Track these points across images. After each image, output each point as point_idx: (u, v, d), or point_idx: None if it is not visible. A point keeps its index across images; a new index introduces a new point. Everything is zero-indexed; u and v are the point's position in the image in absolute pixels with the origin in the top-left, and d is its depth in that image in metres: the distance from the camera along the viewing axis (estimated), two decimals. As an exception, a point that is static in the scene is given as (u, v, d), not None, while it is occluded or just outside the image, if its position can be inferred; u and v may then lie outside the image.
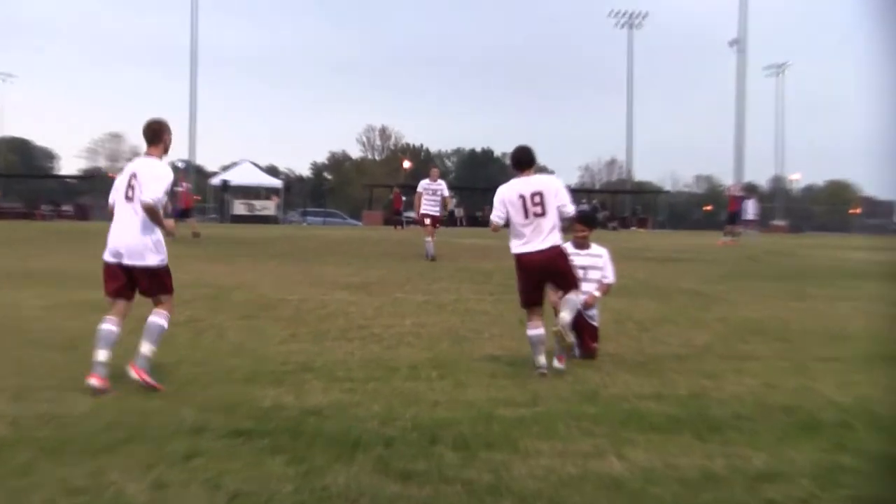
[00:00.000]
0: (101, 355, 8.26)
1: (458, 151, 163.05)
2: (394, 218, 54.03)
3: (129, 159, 10.43)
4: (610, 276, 10.84)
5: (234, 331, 11.77)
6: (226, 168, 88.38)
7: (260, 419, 7.39)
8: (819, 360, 10.47)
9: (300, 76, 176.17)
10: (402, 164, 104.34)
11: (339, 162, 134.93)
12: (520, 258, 9.53)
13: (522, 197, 9.50)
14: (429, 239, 23.87)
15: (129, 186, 8.52)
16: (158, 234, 8.54)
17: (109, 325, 8.38)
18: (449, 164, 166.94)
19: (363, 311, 13.71)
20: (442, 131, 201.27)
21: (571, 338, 9.34)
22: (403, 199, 55.49)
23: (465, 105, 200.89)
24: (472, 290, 17.19)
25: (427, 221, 23.90)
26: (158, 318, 8.60)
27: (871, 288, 19.45)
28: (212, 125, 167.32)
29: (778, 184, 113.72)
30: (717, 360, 10.46)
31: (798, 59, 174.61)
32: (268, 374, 9.05)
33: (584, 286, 10.44)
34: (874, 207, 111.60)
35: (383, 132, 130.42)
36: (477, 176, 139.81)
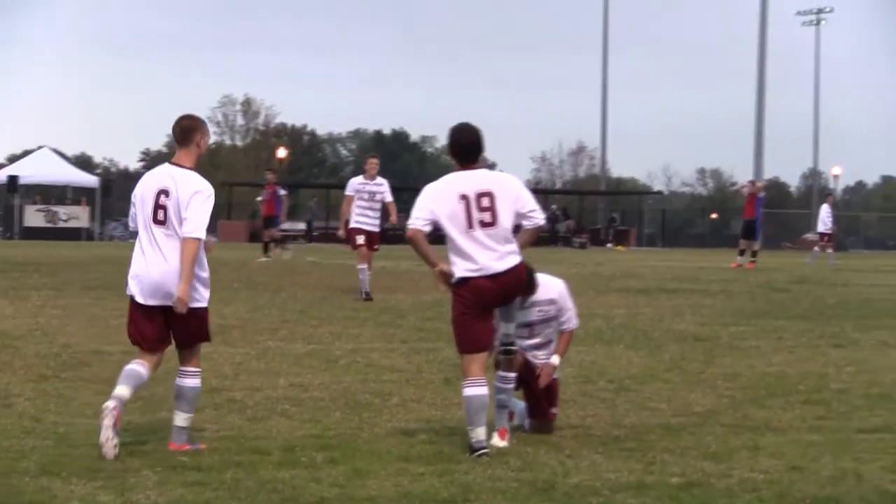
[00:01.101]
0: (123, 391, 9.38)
1: (357, 135, 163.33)
2: (265, 234, 43.11)
3: (147, 164, 10.54)
4: (572, 321, 10.84)
5: (26, 399, 11.65)
6: (14, 159, 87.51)
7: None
8: (865, 432, 10.68)
9: (126, 33, 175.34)
10: (275, 153, 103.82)
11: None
12: (468, 284, 9.55)
13: (465, 198, 9.60)
14: (363, 267, 23.35)
15: (160, 207, 9.36)
16: (206, 269, 9.62)
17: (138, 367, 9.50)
18: (345, 151, 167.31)
19: (218, 368, 13.65)
20: (334, 107, 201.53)
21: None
22: (282, 192, 43.18)
23: (367, 73, 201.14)
24: (377, 335, 17.23)
25: (360, 241, 23.18)
26: (191, 379, 9.64)
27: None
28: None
29: (813, 181, 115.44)
30: (725, 432, 10.61)
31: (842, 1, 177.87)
32: (76, 462, 8.97)
33: (534, 353, 10.58)
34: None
35: (247, 107, 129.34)
36: (385, 168, 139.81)
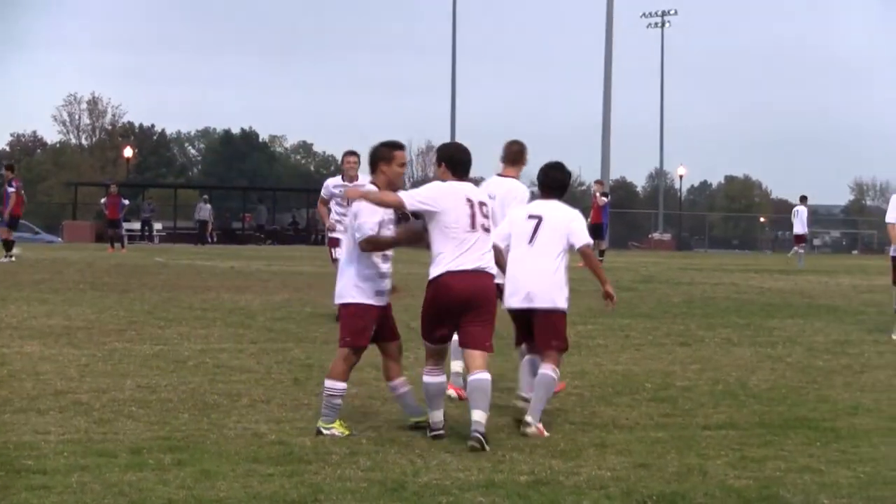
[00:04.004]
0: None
1: (206, 134, 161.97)
2: (109, 231, 52.05)
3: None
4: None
5: None
6: None
7: None
8: (709, 429, 10.90)
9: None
10: (121, 153, 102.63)
11: (26, 149, 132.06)
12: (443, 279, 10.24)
13: (470, 202, 10.34)
14: None
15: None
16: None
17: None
18: (194, 151, 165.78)
19: (63, 370, 13.49)
20: (181, 106, 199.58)
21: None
22: (125, 202, 53.71)
23: (215, 72, 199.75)
24: (226, 336, 17.12)
25: (337, 254, 19.05)
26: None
27: (783, 326, 20.33)
28: None
29: (659, 181, 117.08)
30: (573, 430, 10.75)
31: (686, 4, 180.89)
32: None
33: None
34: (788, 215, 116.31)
35: (93, 106, 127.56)
36: (234, 169, 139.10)
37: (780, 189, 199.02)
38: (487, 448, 9.74)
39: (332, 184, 19.59)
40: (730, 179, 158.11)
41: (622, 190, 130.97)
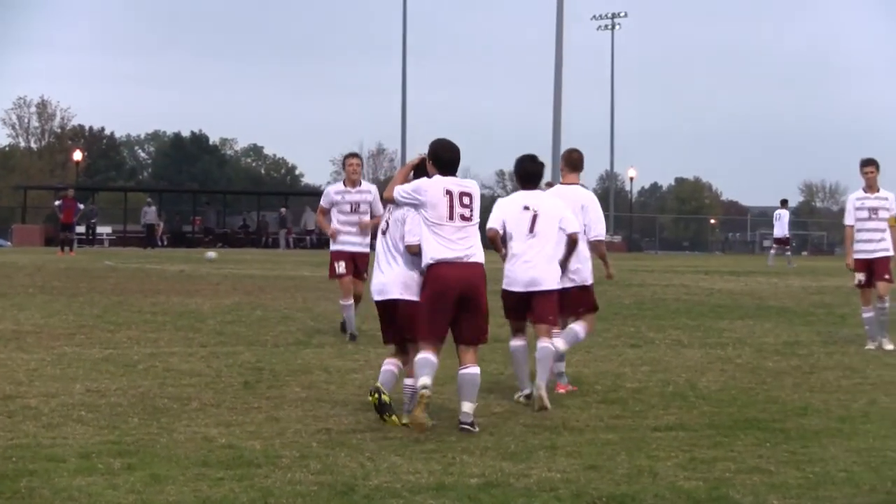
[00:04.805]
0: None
1: (156, 137, 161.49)
2: (62, 235, 52.09)
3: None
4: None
5: None
6: None
7: None
8: (659, 430, 10.95)
9: None
10: (70, 156, 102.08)
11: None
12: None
13: (450, 193, 11.08)
14: (346, 303, 18.06)
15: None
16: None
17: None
18: (144, 154, 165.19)
19: (12, 375, 13.44)
20: (131, 109, 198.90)
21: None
22: (80, 206, 53.93)
23: (166, 75, 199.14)
24: (176, 339, 17.08)
25: (341, 269, 17.99)
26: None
27: (733, 327, 20.44)
28: None
29: (610, 183, 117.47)
30: (523, 432, 10.78)
31: (636, 7, 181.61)
32: None
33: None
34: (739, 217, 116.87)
35: (42, 109, 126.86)
36: (184, 172, 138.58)
37: (730, 191, 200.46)
38: (476, 430, 10.71)
39: (334, 190, 18.04)
40: (680, 181, 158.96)
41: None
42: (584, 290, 13.32)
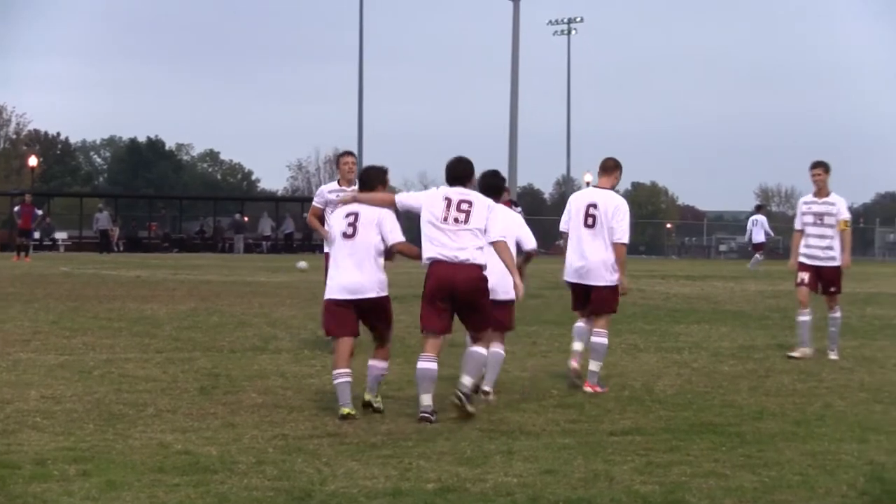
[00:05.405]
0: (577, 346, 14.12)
1: (111, 142, 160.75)
2: (19, 241, 52.01)
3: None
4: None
5: None
6: None
7: None
8: (616, 435, 11.00)
9: None
10: (26, 162, 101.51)
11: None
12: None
13: (448, 200, 11.83)
14: None
15: (589, 215, 13.96)
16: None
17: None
18: (99, 159, 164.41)
19: (-34, 381, 13.34)
20: (87, 114, 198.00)
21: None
22: (38, 212, 53.72)
23: (121, 80, 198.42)
24: (132, 345, 17.02)
25: None
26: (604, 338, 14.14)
27: (689, 332, 20.53)
28: None
29: (567, 188, 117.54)
30: (480, 437, 10.79)
31: (592, 13, 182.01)
32: None
33: None
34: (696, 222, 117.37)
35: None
36: (140, 177, 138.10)
37: (686, 196, 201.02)
38: (469, 409, 11.55)
39: (328, 189, 17.56)
40: (637, 186, 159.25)
41: (529, 196, 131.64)
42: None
